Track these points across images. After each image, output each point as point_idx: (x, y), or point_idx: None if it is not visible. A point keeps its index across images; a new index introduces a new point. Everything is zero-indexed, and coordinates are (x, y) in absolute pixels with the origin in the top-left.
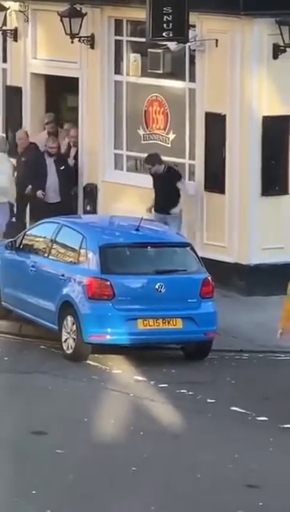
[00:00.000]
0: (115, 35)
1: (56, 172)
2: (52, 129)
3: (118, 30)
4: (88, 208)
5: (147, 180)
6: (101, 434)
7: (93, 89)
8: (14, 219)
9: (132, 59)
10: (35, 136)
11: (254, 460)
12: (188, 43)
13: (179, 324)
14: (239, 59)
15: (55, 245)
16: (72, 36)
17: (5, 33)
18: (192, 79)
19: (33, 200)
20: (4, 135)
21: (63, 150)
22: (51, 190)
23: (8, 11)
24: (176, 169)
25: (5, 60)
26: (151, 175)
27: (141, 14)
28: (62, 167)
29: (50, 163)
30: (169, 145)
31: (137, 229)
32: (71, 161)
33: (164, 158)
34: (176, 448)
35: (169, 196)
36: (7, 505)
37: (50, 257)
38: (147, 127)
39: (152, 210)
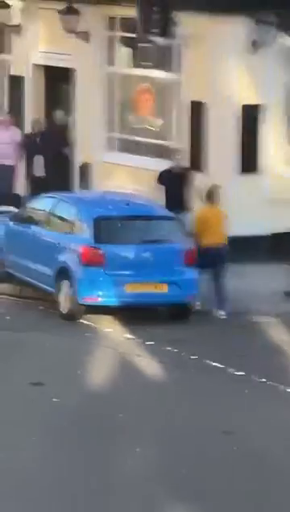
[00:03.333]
0: (108, 30)
1: (41, 149)
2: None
3: (111, 27)
4: (82, 185)
5: (136, 160)
6: (93, 385)
7: (87, 79)
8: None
9: (124, 53)
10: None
11: (231, 409)
12: (174, 39)
13: (164, 289)
14: (220, 53)
15: (53, 217)
16: (70, 31)
17: (9, 28)
18: (178, 70)
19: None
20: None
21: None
22: (37, 165)
23: (12, 8)
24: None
25: (9, 53)
26: (170, 171)
27: (132, 12)
28: (47, 145)
29: (37, 141)
30: (156, 129)
31: (127, 204)
32: (66, 151)
33: (152, 141)
34: (160, 398)
35: (183, 195)
36: (8, 448)
37: (48, 227)
38: (137, 113)
39: None
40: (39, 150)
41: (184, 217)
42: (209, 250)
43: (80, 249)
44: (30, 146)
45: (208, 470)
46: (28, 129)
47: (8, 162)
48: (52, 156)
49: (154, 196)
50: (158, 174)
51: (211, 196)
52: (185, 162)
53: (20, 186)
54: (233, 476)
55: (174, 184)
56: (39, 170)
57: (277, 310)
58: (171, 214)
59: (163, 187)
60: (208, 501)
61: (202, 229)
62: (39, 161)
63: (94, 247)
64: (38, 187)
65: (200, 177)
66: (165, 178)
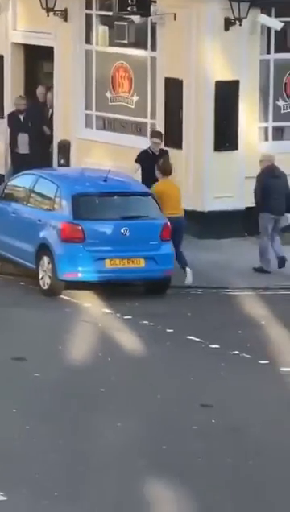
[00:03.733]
0: (86, 9)
1: (26, 127)
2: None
3: (89, 5)
4: (61, 161)
5: (114, 138)
6: (74, 359)
7: (66, 57)
8: None
9: (101, 31)
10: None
11: (207, 382)
12: (150, 17)
13: (141, 264)
14: (195, 30)
15: (33, 195)
16: (48, 10)
17: None
18: (154, 48)
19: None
20: None
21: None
22: (22, 143)
23: None
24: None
25: None
26: (150, 150)
27: None
28: (30, 123)
29: (21, 118)
30: (133, 106)
31: (105, 180)
32: (46, 130)
33: (128, 118)
34: (139, 372)
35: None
36: None
37: (28, 204)
38: (114, 90)
39: None
40: (23, 128)
41: None
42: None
43: (60, 225)
44: (14, 124)
45: (187, 443)
46: (9, 106)
47: None
48: (36, 134)
49: (131, 174)
50: (136, 154)
51: (164, 170)
52: (162, 143)
53: (2, 163)
54: (211, 449)
55: (150, 165)
56: (24, 147)
57: (252, 284)
58: (147, 190)
59: (140, 167)
60: (186, 474)
61: (160, 202)
62: (23, 138)
63: (73, 223)
64: (21, 164)
65: (177, 153)
66: (143, 158)
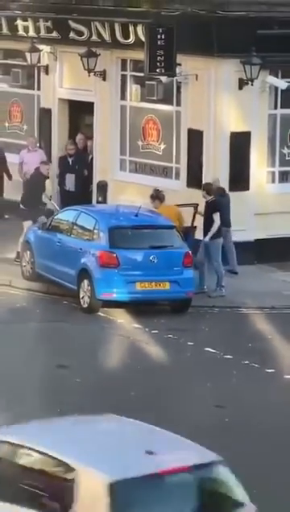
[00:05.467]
0: (121, 70)
1: (73, 168)
2: (80, 139)
3: (124, 67)
4: (99, 199)
5: (143, 179)
6: (109, 367)
7: (104, 111)
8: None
9: (134, 89)
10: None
11: (222, 386)
12: (176, 77)
13: (167, 286)
14: (213, 89)
15: (75, 227)
16: (89, 71)
17: (39, 68)
18: (179, 104)
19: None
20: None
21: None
22: (69, 182)
23: (42, 52)
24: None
25: (39, 89)
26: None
27: (140, 55)
28: (77, 166)
29: (70, 161)
30: (161, 153)
31: (136, 215)
32: (85, 172)
33: (157, 163)
34: (164, 378)
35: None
36: (41, 418)
37: (71, 235)
38: (145, 139)
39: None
40: (71, 170)
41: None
42: None
43: (98, 253)
44: (64, 166)
45: (204, 438)
46: (55, 151)
47: None
48: (80, 175)
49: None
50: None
51: (159, 198)
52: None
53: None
54: (225, 443)
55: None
56: (71, 185)
57: (260, 304)
58: (172, 224)
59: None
60: None
61: None
62: (71, 178)
63: (109, 251)
64: (68, 200)
65: (198, 193)
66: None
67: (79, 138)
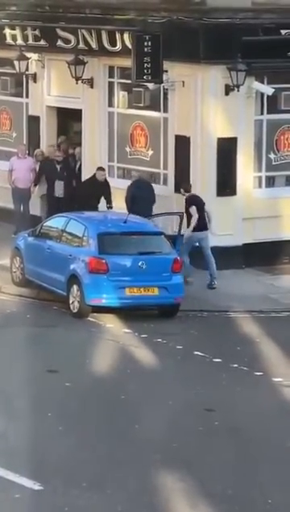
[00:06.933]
0: (109, 77)
1: (61, 175)
2: (64, 146)
3: (111, 74)
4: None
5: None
6: (99, 371)
7: (92, 118)
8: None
9: (121, 96)
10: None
11: (211, 390)
12: (162, 84)
13: (156, 292)
14: (200, 95)
15: (64, 233)
16: (77, 78)
17: (27, 76)
18: (166, 110)
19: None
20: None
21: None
22: (58, 188)
23: (30, 60)
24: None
25: (27, 96)
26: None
27: (128, 62)
28: (65, 173)
29: (58, 168)
30: (148, 159)
31: (125, 222)
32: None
33: (144, 169)
34: (154, 382)
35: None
36: (29, 423)
37: (61, 242)
38: (132, 146)
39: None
40: (60, 176)
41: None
42: None
43: (87, 259)
44: (52, 172)
45: (194, 441)
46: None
47: (24, 186)
48: (68, 182)
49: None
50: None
51: None
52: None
53: (35, 206)
54: (214, 446)
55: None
56: (59, 192)
57: (248, 308)
58: (160, 230)
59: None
60: (193, 466)
61: None
62: (60, 185)
63: (98, 257)
64: (55, 206)
65: (182, 197)
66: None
67: (60, 140)
